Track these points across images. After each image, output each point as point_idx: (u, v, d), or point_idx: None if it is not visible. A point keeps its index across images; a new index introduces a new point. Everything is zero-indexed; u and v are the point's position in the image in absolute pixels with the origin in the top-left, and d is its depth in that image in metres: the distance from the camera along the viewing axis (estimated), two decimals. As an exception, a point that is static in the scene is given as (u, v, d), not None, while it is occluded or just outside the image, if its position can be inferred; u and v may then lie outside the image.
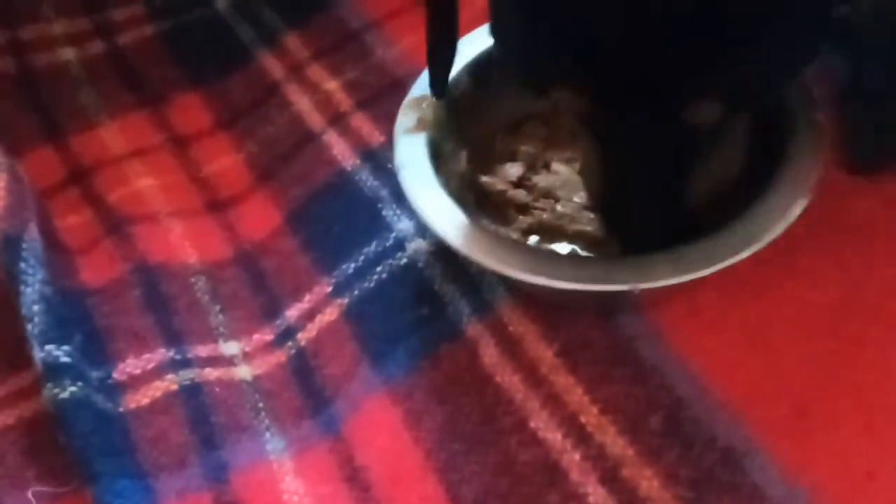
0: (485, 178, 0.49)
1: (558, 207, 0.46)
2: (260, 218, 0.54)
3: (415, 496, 0.41)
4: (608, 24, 0.33)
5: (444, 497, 0.40)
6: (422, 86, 0.49)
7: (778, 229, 0.39)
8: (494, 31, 0.40)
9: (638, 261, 0.40)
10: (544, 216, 0.46)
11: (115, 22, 0.64)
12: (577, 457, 0.40)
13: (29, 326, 0.43)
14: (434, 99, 0.47)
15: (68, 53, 0.62)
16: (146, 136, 0.59)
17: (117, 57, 0.63)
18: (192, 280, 0.50)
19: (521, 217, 0.47)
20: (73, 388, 0.40)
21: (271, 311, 0.49)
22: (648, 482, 0.39)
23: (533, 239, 0.46)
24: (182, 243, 0.53)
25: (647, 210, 0.39)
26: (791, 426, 0.40)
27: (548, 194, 0.47)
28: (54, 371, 0.42)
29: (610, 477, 0.39)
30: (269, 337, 0.48)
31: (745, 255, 0.39)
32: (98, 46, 0.63)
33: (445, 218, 0.42)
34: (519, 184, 0.49)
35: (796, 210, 0.40)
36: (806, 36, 0.37)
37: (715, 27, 0.32)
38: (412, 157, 0.45)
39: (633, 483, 0.39)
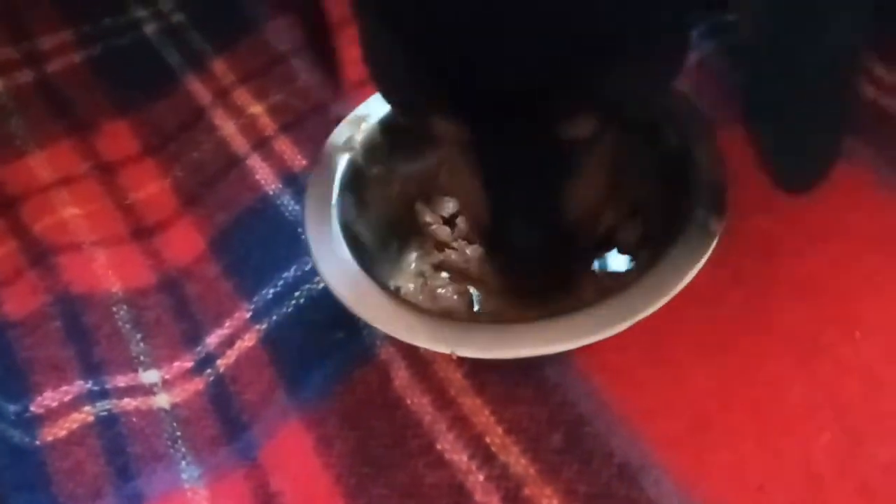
0: (419, 206, 0.50)
1: (468, 251, 0.47)
2: (184, 244, 0.55)
3: (324, 521, 0.42)
4: (478, 55, 0.33)
5: (352, 521, 0.41)
6: (365, 107, 0.50)
7: (685, 281, 0.40)
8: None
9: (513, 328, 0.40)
10: (453, 257, 0.47)
11: (43, 51, 0.64)
12: (481, 477, 0.41)
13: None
14: (373, 121, 0.48)
15: (-5, 83, 0.63)
16: (74, 165, 0.59)
17: (46, 85, 0.63)
18: (115, 309, 0.51)
19: (436, 252, 0.48)
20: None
21: (192, 337, 0.50)
22: (548, 500, 0.40)
23: (443, 276, 0.47)
24: (106, 272, 0.53)
25: (529, 230, 0.40)
26: (688, 441, 0.41)
27: (466, 236, 0.48)
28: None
29: (512, 496, 0.40)
30: (189, 364, 0.49)
31: (654, 308, 0.39)
32: (27, 75, 0.64)
33: (334, 263, 0.43)
34: (450, 220, 0.50)
35: (701, 262, 0.40)
36: (666, 52, 0.38)
37: (578, 49, 0.34)
38: (322, 184, 0.46)
39: (533, 501, 0.40)
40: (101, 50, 0.65)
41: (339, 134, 0.49)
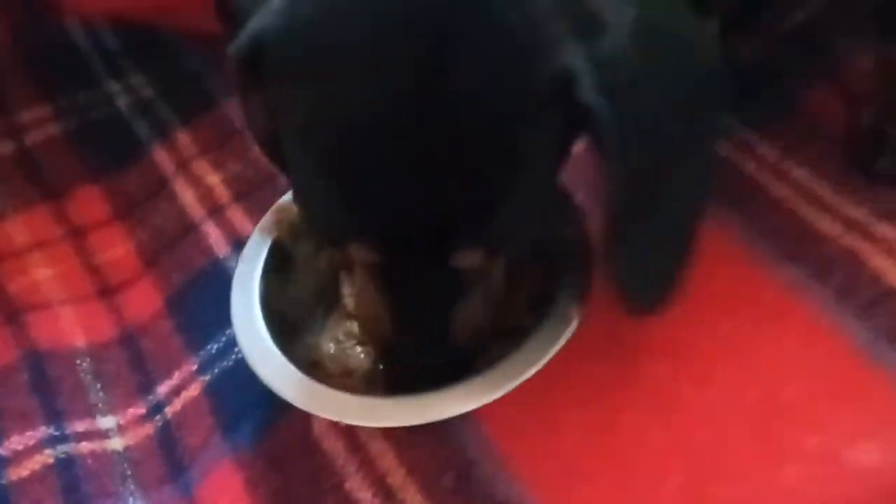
0: (342, 275, 0.55)
1: None
2: (143, 302, 0.62)
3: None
4: (388, 202, 0.39)
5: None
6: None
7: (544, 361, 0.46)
8: (296, 198, 0.46)
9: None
10: (354, 327, 0.53)
11: (23, 123, 0.72)
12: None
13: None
14: None
15: (-19, 153, 0.70)
16: (48, 229, 0.66)
17: (25, 155, 0.70)
18: (78, 361, 0.58)
19: (343, 320, 0.54)
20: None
21: (145, 387, 0.57)
22: (438, 532, 0.46)
23: (349, 342, 0.53)
24: (73, 328, 0.60)
25: (422, 345, 0.45)
26: (558, 481, 0.48)
27: None
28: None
29: (407, 529, 0.47)
30: (142, 411, 0.55)
31: (526, 376, 0.45)
32: (7, 146, 0.71)
33: (253, 340, 0.49)
34: None
35: (559, 344, 0.46)
36: (538, 206, 0.43)
37: (460, 202, 0.39)
38: (250, 264, 0.52)
39: (426, 535, 0.46)
40: (77, 122, 0.72)
41: (272, 214, 0.55)
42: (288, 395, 0.47)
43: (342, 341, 0.54)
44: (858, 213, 0.55)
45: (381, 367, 0.51)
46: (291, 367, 0.48)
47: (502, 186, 0.39)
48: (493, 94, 0.37)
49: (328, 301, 0.55)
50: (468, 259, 0.42)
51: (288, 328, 0.51)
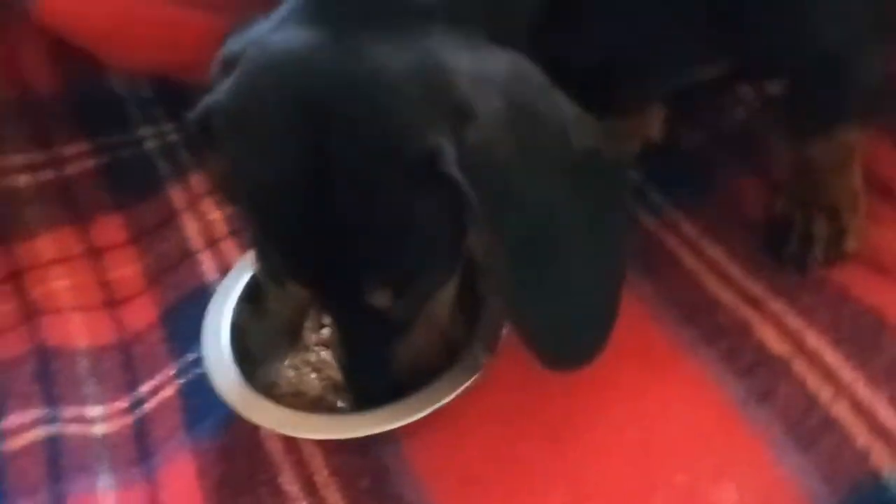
0: (313, 310, 0.64)
1: (322, 353, 0.62)
2: (141, 314, 0.71)
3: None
4: (300, 249, 0.49)
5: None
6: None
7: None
8: (248, 242, 0.56)
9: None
10: (312, 357, 0.62)
11: (64, 156, 0.83)
12: (305, 504, 0.55)
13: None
14: None
15: (24, 179, 0.80)
16: (71, 247, 0.77)
17: (62, 183, 0.81)
18: (78, 360, 0.67)
19: (303, 351, 0.62)
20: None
21: (131, 385, 0.66)
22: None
23: (306, 369, 0.61)
24: (78, 331, 0.70)
25: (368, 372, 0.54)
26: (458, 492, 0.55)
27: (326, 342, 0.62)
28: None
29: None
30: (125, 405, 0.65)
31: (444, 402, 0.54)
32: (48, 175, 0.82)
33: (215, 358, 0.58)
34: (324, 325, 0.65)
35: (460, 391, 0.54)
36: (436, 259, 0.51)
37: (356, 252, 0.48)
38: (226, 293, 0.62)
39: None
40: (109, 159, 0.83)
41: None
42: (232, 402, 0.56)
43: (299, 368, 0.63)
44: (757, 289, 0.63)
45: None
46: (242, 381, 0.57)
47: (389, 242, 0.48)
48: (368, 168, 0.46)
49: (293, 332, 0.64)
50: (379, 299, 0.50)
51: (255, 351, 0.61)
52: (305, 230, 0.48)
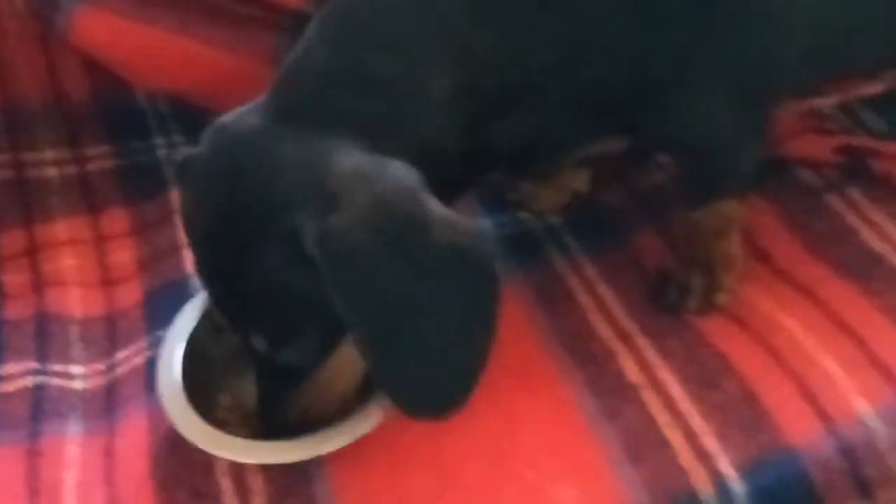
0: None
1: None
2: (130, 294, 0.84)
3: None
4: (216, 296, 0.63)
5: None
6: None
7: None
8: None
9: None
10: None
11: (87, 156, 0.96)
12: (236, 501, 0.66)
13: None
14: None
15: (51, 171, 0.95)
16: (81, 232, 0.90)
17: (82, 179, 0.95)
18: (70, 326, 0.81)
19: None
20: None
21: (110, 352, 0.79)
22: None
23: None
24: (75, 304, 0.83)
25: (271, 406, 0.65)
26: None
27: None
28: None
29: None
30: (102, 367, 0.78)
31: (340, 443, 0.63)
32: (73, 170, 0.95)
33: (171, 386, 0.68)
34: None
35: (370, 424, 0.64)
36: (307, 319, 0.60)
37: (241, 302, 0.61)
38: (195, 308, 0.73)
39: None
40: (125, 162, 0.96)
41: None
42: (168, 408, 0.67)
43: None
44: (631, 326, 0.74)
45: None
46: (183, 397, 0.68)
47: (264, 300, 0.60)
48: (251, 237, 0.59)
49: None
50: (259, 344, 0.62)
51: (209, 368, 0.71)
52: (210, 277, 0.63)
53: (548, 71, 0.64)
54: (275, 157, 0.60)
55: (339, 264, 0.56)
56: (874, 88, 0.86)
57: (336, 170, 0.58)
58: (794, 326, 0.71)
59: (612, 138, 0.73)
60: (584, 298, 0.77)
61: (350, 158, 0.59)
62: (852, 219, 0.79)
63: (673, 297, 0.76)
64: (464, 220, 0.59)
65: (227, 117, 0.65)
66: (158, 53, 0.91)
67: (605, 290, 0.77)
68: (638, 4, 0.64)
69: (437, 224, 0.58)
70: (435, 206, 0.59)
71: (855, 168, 0.82)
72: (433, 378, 0.59)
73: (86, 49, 0.91)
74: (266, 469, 0.67)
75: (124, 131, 0.99)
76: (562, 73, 0.64)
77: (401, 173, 0.59)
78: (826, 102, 0.85)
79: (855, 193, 0.81)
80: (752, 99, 0.70)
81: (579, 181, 0.87)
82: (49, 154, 0.96)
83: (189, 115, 1.00)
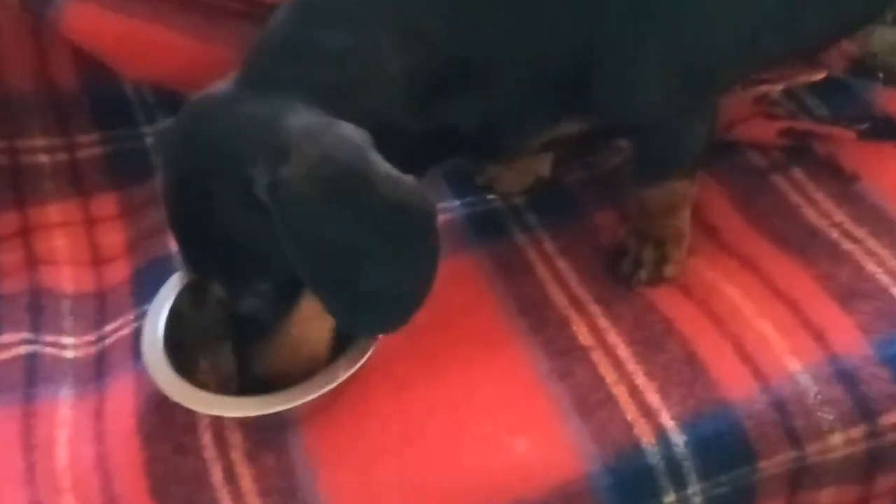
0: None
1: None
2: (119, 272, 0.90)
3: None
4: (184, 251, 0.69)
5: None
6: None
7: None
8: None
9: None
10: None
11: (77, 143, 1.01)
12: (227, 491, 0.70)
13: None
14: None
15: (43, 158, 0.99)
16: (73, 215, 0.95)
17: (73, 165, 1.00)
18: (63, 301, 0.86)
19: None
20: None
21: (100, 324, 0.84)
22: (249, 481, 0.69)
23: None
24: (67, 280, 0.88)
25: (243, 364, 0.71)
26: (352, 482, 0.69)
27: None
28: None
29: (229, 474, 0.69)
30: (92, 338, 0.83)
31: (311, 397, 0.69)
32: (64, 156, 1.00)
33: (154, 355, 0.73)
34: None
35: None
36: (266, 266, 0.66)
37: (203, 251, 0.67)
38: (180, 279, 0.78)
39: (240, 477, 0.69)
40: (113, 149, 1.01)
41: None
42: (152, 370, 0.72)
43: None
44: (585, 295, 0.79)
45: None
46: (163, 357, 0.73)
47: (219, 246, 0.66)
48: (207, 187, 0.65)
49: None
50: (217, 291, 0.69)
51: (191, 335, 0.76)
52: (178, 231, 0.68)
53: (496, 53, 0.69)
54: (232, 117, 0.66)
55: (288, 211, 0.62)
56: (817, 76, 0.92)
57: (287, 126, 0.64)
58: (735, 294, 0.77)
59: (568, 121, 0.79)
60: (542, 271, 0.82)
61: (301, 118, 0.65)
62: (794, 197, 0.85)
63: (626, 269, 0.81)
64: (405, 177, 0.64)
65: (198, 93, 0.71)
66: (138, 43, 0.95)
67: (562, 264, 0.82)
68: None
69: (379, 178, 0.63)
70: (379, 162, 0.64)
71: (799, 150, 0.88)
72: (377, 306, 0.66)
73: (74, 40, 0.95)
74: (244, 425, 0.72)
75: (112, 119, 1.04)
76: (510, 55, 0.69)
77: (348, 132, 0.65)
78: (773, 89, 0.91)
79: (798, 174, 0.87)
80: (697, 79, 0.75)
81: (542, 165, 0.92)
82: (41, 141, 1.01)
83: (174, 104, 1.04)
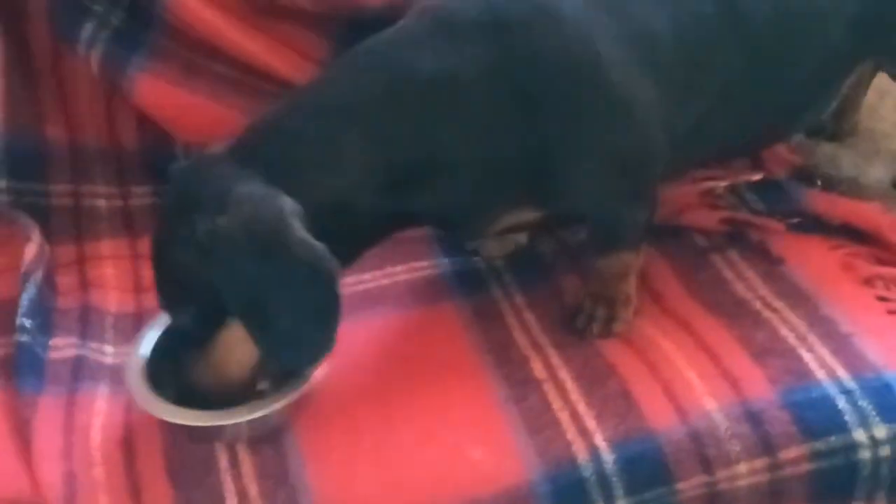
0: None
1: None
2: (154, 300, 1.03)
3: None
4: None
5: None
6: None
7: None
8: None
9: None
10: None
11: (133, 192, 1.18)
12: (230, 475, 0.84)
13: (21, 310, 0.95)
14: None
15: (102, 202, 1.16)
16: (123, 251, 1.12)
17: (126, 211, 1.17)
18: (107, 318, 1.02)
19: None
20: (24, 339, 0.92)
21: (132, 338, 0.98)
22: (246, 480, 0.83)
23: None
24: (113, 302, 1.04)
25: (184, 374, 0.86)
26: (336, 474, 0.83)
27: None
28: (21, 331, 0.93)
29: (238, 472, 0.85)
30: (128, 350, 0.97)
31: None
32: (119, 203, 1.18)
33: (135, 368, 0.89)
34: None
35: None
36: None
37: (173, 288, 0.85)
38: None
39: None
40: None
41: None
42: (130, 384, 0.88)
43: None
44: (544, 340, 0.93)
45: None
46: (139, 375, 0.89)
47: (170, 276, 0.85)
48: (172, 228, 0.84)
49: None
50: (160, 303, 0.86)
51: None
52: (152, 258, 0.87)
53: (452, 154, 0.85)
54: (204, 176, 0.84)
55: (220, 252, 0.78)
56: (756, 176, 1.08)
57: (236, 189, 0.81)
58: (670, 348, 0.92)
59: (523, 210, 0.93)
60: (511, 319, 0.97)
61: (249, 186, 0.81)
62: (728, 273, 1.00)
63: (581, 323, 0.96)
64: (317, 244, 0.79)
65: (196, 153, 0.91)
66: (196, 115, 1.14)
67: (528, 315, 0.97)
68: (518, 105, 0.85)
69: (294, 240, 0.79)
70: (298, 229, 0.79)
71: (736, 236, 1.04)
72: (290, 343, 0.81)
73: (141, 106, 1.14)
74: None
75: (163, 176, 1.21)
76: (466, 156, 0.85)
77: (280, 202, 0.80)
78: (718, 185, 1.08)
79: (733, 254, 1.02)
80: (631, 175, 0.91)
81: (521, 235, 1.08)
82: (101, 188, 1.18)
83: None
